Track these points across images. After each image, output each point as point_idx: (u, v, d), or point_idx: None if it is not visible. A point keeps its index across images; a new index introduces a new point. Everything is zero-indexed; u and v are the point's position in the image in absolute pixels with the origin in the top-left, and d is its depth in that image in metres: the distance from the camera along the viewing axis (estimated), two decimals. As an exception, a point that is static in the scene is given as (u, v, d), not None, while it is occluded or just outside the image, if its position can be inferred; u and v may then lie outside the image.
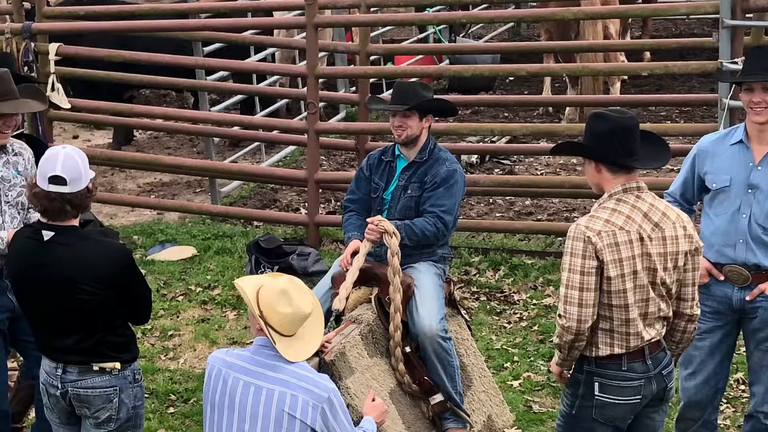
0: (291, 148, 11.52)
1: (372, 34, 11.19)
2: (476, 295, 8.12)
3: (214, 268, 8.72)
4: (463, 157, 10.43)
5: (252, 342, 4.23)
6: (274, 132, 10.86)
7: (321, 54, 10.54)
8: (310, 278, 7.77)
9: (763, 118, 5.16)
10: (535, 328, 7.58)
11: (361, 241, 5.59)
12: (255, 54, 11.58)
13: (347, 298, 5.42)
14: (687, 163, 5.43)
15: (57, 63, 9.66)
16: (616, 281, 4.35)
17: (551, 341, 6.60)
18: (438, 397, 5.55)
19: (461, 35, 15.67)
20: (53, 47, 9.61)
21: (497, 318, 7.77)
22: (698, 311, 4.63)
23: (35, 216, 5.19)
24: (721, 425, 6.09)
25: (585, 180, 4.81)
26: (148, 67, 10.09)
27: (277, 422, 4.02)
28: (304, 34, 10.03)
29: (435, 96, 6.03)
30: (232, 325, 7.80)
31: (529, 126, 10.71)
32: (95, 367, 4.70)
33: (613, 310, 4.40)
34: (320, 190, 9.48)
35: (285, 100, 12.28)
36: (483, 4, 10.75)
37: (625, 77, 13.05)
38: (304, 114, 10.27)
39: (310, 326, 4.18)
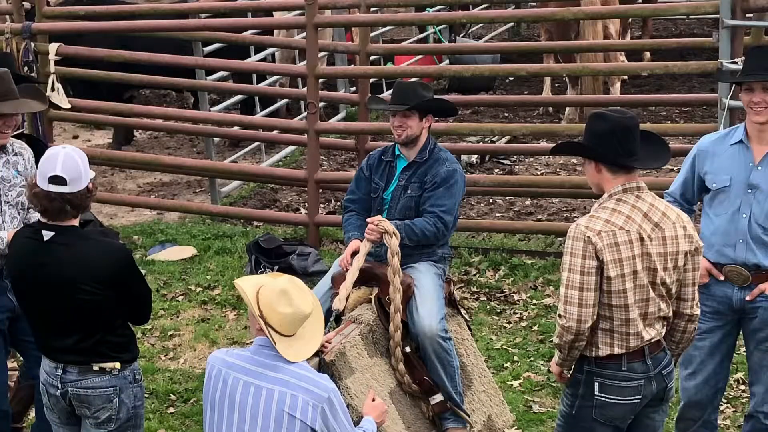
0: (291, 148, 11.52)
1: (372, 34, 11.20)
2: (476, 295, 8.12)
3: (214, 268, 8.72)
4: (463, 157, 10.43)
5: (252, 342, 4.23)
6: (274, 132, 10.86)
7: (321, 54, 10.54)
8: (310, 278, 7.77)
9: (763, 118, 5.17)
10: (535, 328, 7.58)
11: (361, 241, 5.59)
12: (255, 54, 11.58)
13: (347, 298, 5.42)
14: (687, 163, 5.43)
15: (57, 63, 9.67)
16: (616, 281, 4.35)
17: (551, 341, 6.60)
18: (438, 397, 5.55)
19: (461, 35, 15.67)
20: (53, 47, 9.61)
21: (497, 318, 7.77)
22: (698, 311, 4.63)
23: (35, 216, 5.19)
24: (721, 425, 6.09)
25: (585, 180, 4.81)
26: (148, 67, 10.09)
27: (277, 422, 4.02)
28: (304, 34, 10.03)
29: (435, 96, 6.03)
30: (232, 325, 7.80)
31: (529, 126, 10.71)
32: (95, 367, 4.70)
33: (613, 310, 4.40)
34: (320, 190, 9.48)
35: (285, 100, 12.28)
36: (483, 4, 10.75)
37: (625, 77, 13.05)
38: (304, 114, 10.28)
39: (310, 326, 4.18)
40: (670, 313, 4.53)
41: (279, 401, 4.02)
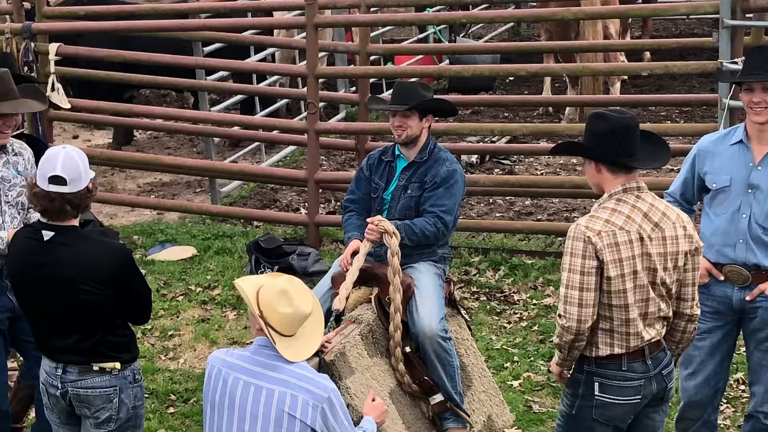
0: (291, 148, 11.52)
1: (372, 34, 11.19)
2: (476, 295, 8.12)
3: (214, 268, 8.72)
4: (463, 157, 10.43)
5: (252, 342, 4.23)
6: (274, 132, 10.87)
7: (321, 54, 10.54)
8: (310, 278, 7.77)
9: (763, 118, 5.17)
10: (535, 328, 7.58)
11: (361, 241, 5.59)
12: (255, 54, 11.59)
13: (347, 298, 5.42)
14: (687, 163, 5.43)
15: (57, 63, 9.67)
16: (616, 281, 4.35)
17: (551, 341, 6.60)
18: (438, 397, 5.55)
19: (461, 35, 15.67)
20: (53, 47, 9.61)
21: (497, 318, 7.77)
22: (698, 311, 4.63)
23: (35, 216, 5.20)
24: (721, 425, 6.09)
25: (585, 180, 4.81)
26: (148, 67, 10.09)
27: (277, 422, 4.02)
28: (304, 34, 10.03)
29: (435, 96, 6.03)
30: (232, 325, 7.80)
31: (529, 126, 10.70)
32: (95, 367, 4.70)
33: (613, 310, 4.40)
34: (320, 190, 9.48)
35: (285, 100, 12.28)
36: (483, 4, 10.75)
37: (625, 77, 13.05)
38: (304, 114, 10.28)
39: (310, 326, 4.18)
40: (670, 313, 4.53)
41: (279, 401, 4.02)
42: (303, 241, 9.01)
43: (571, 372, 4.62)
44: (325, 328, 4.89)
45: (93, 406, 4.72)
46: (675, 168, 8.44)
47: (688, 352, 5.23)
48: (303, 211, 9.90)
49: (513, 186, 9.26)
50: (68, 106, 9.80)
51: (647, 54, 14.20)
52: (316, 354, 4.80)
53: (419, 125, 5.72)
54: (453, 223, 5.75)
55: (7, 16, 10.12)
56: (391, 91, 6.54)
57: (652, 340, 4.47)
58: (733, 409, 6.44)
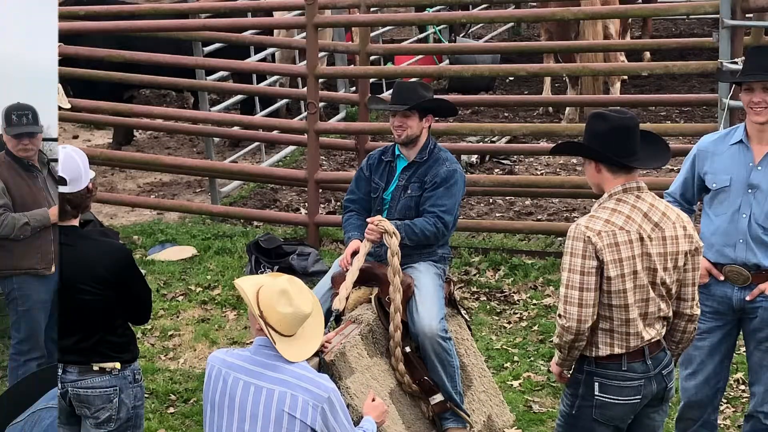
0: (291, 148, 11.52)
1: (372, 34, 11.20)
2: (476, 295, 8.12)
3: (214, 268, 8.72)
4: (463, 157, 10.43)
5: (252, 342, 4.23)
6: (274, 132, 10.87)
7: (321, 54, 10.55)
8: (310, 278, 7.77)
9: (763, 118, 5.17)
10: (535, 328, 7.58)
11: (361, 241, 5.59)
12: (255, 54, 11.59)
13: (347, 298, 5.42)
14: (687, 163, 5.43)
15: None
16: (616, 281, 4.35)
17: (551, 341, 6.59)
18: (438, 397, 5.55)
19: (461, 35, 15.67)
20: (53, 47, 9.61)
21: (497, 318, 7.77)
22: (698, 311, 4.63)
23: (35, 216, 5.20)
24: (721, 425, 6.09)
25: (585, 180, 4.81)
26: (148, 67, 10.09)
27: (277, 422, 4.02)
28: (304, 34, 10.04)
29: (435, 96, 6.03)
30: (232, 325, 7.81)
31: (529, 126, 10.70)
32: (95, 367, 4.70)
33: (613, 310, 4.40)
34: (320, 190, 9.48)
35: (285, 100, 12.28)
36: (483, 4, 10.75)
37: (625, 77, 13.05)
38: (304, 114, 10.29)
39: (310, 326, 4.18)
40: (670, 313, 4.53)
41: (279, 401, 4.02)
42: (303, 241, 9.01)
43: (571, 372, 4.62)
44: (325, 328, 4.89)
45: (93, 406, 4.72)
46: (675, 168, 8.44)
47: (688, 352, 5.23)
48: (303, 211, 9.90)
49: (513, 186, 9.26)
50: (68, 106, 9.76)
51: (647, 54, 14.20)
52: (316, 354, 4.80)
53: (419, 125, 5.72)
54: (453, 223, 5.75)
55: (8, 16, 10.12)
56: (391, 91, 6.54)
57: (652, 340, 4.47)
58: (733, 409, 6.44)
